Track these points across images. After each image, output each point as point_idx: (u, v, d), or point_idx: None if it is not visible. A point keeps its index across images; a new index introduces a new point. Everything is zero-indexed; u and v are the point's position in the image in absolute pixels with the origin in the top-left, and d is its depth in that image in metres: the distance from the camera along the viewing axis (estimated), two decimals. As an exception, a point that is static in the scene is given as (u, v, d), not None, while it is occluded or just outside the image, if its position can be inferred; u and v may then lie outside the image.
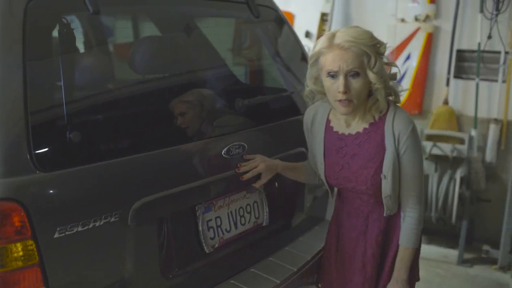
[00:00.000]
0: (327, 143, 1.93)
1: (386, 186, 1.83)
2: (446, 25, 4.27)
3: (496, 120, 4.12)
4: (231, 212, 2.04)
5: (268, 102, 2.30)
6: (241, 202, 2.08)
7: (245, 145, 2.00)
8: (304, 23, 4.90)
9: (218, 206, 1.98)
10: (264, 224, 2.17)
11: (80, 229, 1.51)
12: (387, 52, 1.79)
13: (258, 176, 2.00)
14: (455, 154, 4.16)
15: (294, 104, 2.39)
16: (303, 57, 2.56)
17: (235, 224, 2.05)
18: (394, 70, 1.86)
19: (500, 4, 4.00)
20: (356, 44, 1.69)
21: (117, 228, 1.61)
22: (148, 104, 1.90)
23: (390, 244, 1.94)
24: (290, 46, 2.53)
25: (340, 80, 1.71)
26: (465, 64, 4.29)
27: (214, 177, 1.91)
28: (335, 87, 1.74)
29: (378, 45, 1.75)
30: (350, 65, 1.70)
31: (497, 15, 4.02)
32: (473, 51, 4.19)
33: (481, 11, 4.05)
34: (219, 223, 1.98)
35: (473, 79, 4.20)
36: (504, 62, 4.07)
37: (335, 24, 4.74)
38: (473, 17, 4.14)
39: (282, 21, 2.52)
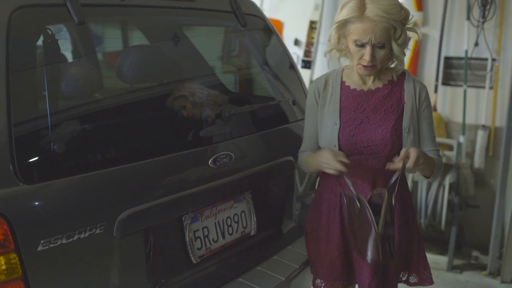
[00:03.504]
0: (344, 101, 1.95)
1: (408, 139, 1.89)
2: (433, 33, 4.30)
3: (484, 127, 4.15)
4: (218, 222, 2.03)
5: (256, 111, 2.30)
6: (229, 211, 2.08)
7: (232, 154, 2.00)
8: (293, 31, 4.92)
9: (205, 216, 1.97)
10: (252, 234, 2.16)
11: (64, 241, 1.49)
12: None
13: (243, 186, 1.99)
14: (444, 160, 4.18)
15: (282, 112, 2.40)
16: (291, 65, 2.57)
17: (223, 234, 2.04)
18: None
19: (487, 12, 4.04)
20: (387, 20, 1.75)
21: (103, 240, 1.60)
22: (133, 114, 1.89)
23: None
24: (278, 55, 2.54)
25: (368, 50, 1.80)
26: (452, 71, 4.32)
27: (201, 187, 1.90)
28: (360, 54, 1.82)
29: (405, 19, 1.81)
30: (378, 39, 1.78)
31: (483, 22, 4.05)
32: (460, 58, 4.22)
33: (468, 18, 4.08)
34: (206, 233, 1.97)
35: (460, 85, 4.23)
36: (491, 69, 4.10)
37: (323, 32, 4.75)
38: (460, 24, 4.17)
39: (269, 30, 2.52)
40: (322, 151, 1.91)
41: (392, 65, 1.95)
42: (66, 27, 1.86)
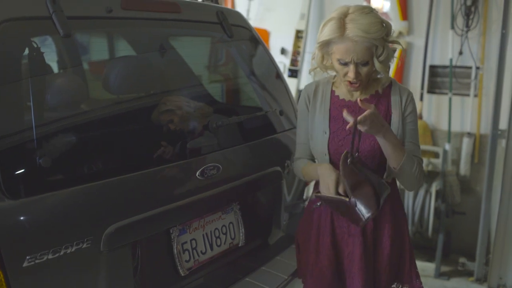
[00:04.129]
0: (333, 111, 1.96)
1: None
2: (418, 42, 4.35)
3: (469, 134, 4.19)
4: (206, 233, 2.02)
5: (243, 121, 2.30)
6: (217, 223, 2.07)
7: (220, 166, 2.00)
8: (279, 40, 4.95)
9: (193, 228, 1.96)
10: (240, 245, 2.16)
11: (50, 257, 1.48)
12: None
13: (231, 197, 1.98)
14: (430, 168, 4.21)
15: (270, 123, 2.40)
16: (278, 75, 2.57)
17: (211, 245, 2.03)
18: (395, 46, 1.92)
19: (470, 21, 4.10)
20: (368, 39, 1.75)
21: (90, 255, 1.59)
22: (120, 127, 1.88)
23: (384, 216, 1.95)
24: (265, 65, 2.54)
25: (351, 68, 1.81)
26: (438, 79, 4.37)
27: (189, 199, 1.90)
28: (345, 71, 1.83)
29: (386, 35, 1.81)
30: (361, 58, 1.79)
31: (467, 31, 4.11)
32: (445, 67, 4.27)
33: (452, 27, 4.14)
34: (194, 245, 1.96)
35: (446, 93, 4.28)
36: (476, 77, 4.15)
37: (310, 41, 4.78)
38: (444, 33, 4.23)
39: (256, 41, 2.53)
40: (327, 169, 1.88)
41: (379, 76, 1.95)
42: (52, 39, 1.85)
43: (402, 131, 1.93)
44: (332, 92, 1.99)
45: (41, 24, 1.69)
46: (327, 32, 1.80)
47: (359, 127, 1.72)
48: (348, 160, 1.79)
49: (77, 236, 1.54)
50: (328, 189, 1.85)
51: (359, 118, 1.70)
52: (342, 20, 1.77)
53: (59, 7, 1.68)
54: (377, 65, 1.82)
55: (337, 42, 1.79)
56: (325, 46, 1.85)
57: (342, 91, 1.97)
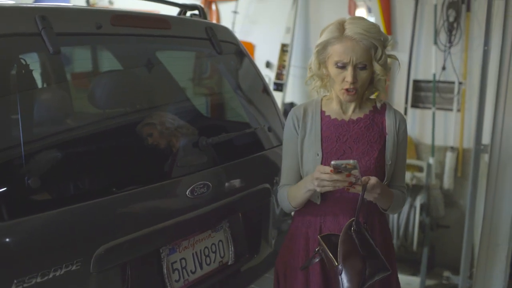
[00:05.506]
0: (325, 132, 1.90)
1: (389, 171, 1.88)
2: (402, 56, 4.39)
3: (452, 148, 4.24)
4: (196, 252, 2.00)
5: (232, 139, 2.28)
6: (206, 241, 2.05)
7: (210, 184, 1.98)
8: (264, 53, 4.97)
9: (183, 247, 1.94)
10: (229, 263, 2.14)
11: (39, 280, 1.44)
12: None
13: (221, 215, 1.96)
14: (414, 182, 4.24)
15: (258, 140, 2.39)
16: (266, 91, 2.57)
17: (200, 264, 2.01)
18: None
19: (453, 37, 4.17)
20: (367, 38, 1.75)
21: (79, 276, 1.55)
22: (110, 145, 1.85)
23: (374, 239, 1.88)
24: (254, 82, 2.54)
25: (349, 71, 1.77)
26: (421, 93, 4.42)
27: (179, 218, 1.87)
28: (342, 77, 1.79)
29: (383, 39, 1.80)
30: (360, 58, 1.76)
31: (450, 47, 4.18)
32: (428, 82, 4.33)
33: (435, 43, 4.20)
34: (184, 264, 1.94)
35: (429, 108, 4.33)
36: (458, 92, 4.21)
37: (295, 54, 4.81)
38: (427, 49, 4.29)
39: (245, 57, 2.53)
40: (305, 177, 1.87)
41: (373, 96, 1.93)
42: (40, 56, 1.82)
43: (396, 156, 1.90)
44: (322, 112, 1.93)
45: (30, 41, 1.66)
46: (325, 35, 1.80)
47: (367, 196, 1.72)
48: (352, 229, 1.74)
49: (66, 258, 1.51)
50: (319, 177, 1.72)
51: (368, 185, 1.69)
52: (341, 24, 1.79)
53: (49, 23, 1.66)
54: (377, 67, 1.79)
55: (335, 43, 1.77)
56: (322, 50, 1.82)
57: (332, 110, 1.92)
